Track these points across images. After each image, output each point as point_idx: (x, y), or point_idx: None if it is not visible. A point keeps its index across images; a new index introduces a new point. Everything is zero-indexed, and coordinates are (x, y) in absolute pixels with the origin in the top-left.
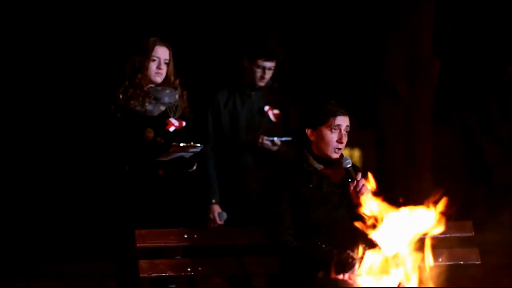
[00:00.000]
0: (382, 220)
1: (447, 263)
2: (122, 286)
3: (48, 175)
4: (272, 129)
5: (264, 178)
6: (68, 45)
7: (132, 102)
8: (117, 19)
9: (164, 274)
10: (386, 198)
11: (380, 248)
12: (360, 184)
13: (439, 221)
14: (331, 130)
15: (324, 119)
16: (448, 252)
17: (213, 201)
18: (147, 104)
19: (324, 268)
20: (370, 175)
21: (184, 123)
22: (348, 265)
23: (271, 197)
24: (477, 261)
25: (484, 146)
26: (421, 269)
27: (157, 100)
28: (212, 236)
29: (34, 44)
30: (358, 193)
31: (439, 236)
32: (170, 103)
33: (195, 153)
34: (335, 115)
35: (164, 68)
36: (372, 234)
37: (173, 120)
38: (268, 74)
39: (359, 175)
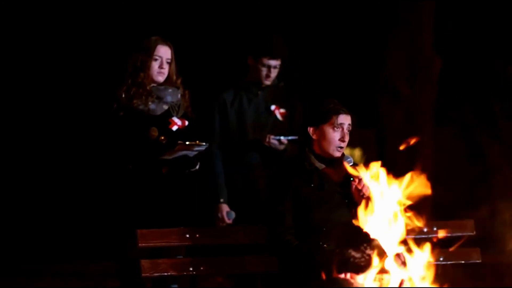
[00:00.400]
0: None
1: (449, 262)
2: (124, 285)
3: (50, 173)
4: (279, 128)
5: (268, 176)
6: (70, 43)
7: (135, 101)
8: (119, 17)
9: (166, 274)
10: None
11: (381, 247)
12: (362, 183)
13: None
14: (333, 128)
15: (327, 117)
16: (450, 252)
17: (221, 200)
18: (150, 103)
19: (325, 267)
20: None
21: (186, 122)
22: (349, 265)
23: (274, 197)
24: (478, 260)
25: (485, 146)
26: (422, 268)
27: (160, 99)
28: (214, 235)
29: (35, 42)
30: (360, 191)
31: (441, 235)
32: (173, 102)
33: (199, 152)
34: (337, 113)
35: (166, 68)
36: (372, 234)
37: (176, 119)
38: (274, 73)
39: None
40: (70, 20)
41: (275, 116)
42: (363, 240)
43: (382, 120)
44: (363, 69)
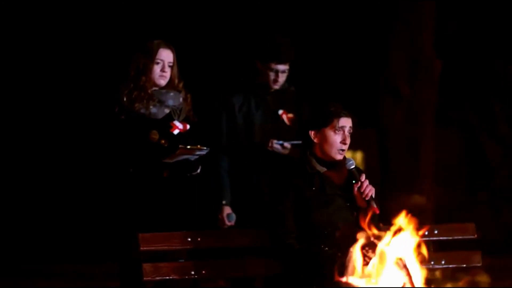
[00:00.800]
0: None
1: (450, 265)
2: (126, 286)
3: (52, 175)
4: (286, 132)
5: (269, 179)
6: (72, 46)
7: (136, 104)
8: (122, 20)
9: (167, 277)
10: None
11: (383, 250)
12: (364, 185)
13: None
14: (334, 132)
15: (328, 121)
16: (451, 255)
17: (224, 202)
18: (151, 107)
19: (327, 271)
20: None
21: (188, 126)
22: (352, 268)
23: (275, 199)
24: (479, 263)
25: (486, 147)
26: (424, 271)
27: (161, 103)
28: (215, 238)
29: (38, 45)
30: (361, 194)
31: (442, 238)
32: (174, 106)
33: (200, 156)
34: (338, 116)
35: (168, 71)
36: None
37: (177, 123)
38: (282, 77)
39: (363, 176)
40: (73, 23)
41: (283, 120)
42: (365, 244)
43: (383, 120)
44: (363, 69)
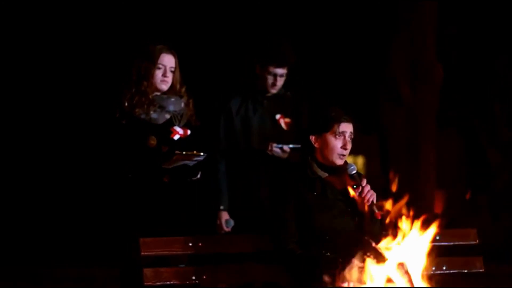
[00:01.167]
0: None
1: (451, 271)
2: None
3: (53, 180)
4: (283, 136)
5: (270, 184)
6: (74, 51)
7: (137, 110)
8: (124, 24)
9: (168, 283)
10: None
11: (385, 256)
12: (366, 190)
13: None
14: (335, 137)
15: (328, 126)
16: (452, 260)
17: (221, 207)
18: (152, 112)
19: (328, 276)
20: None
21: (189, 132)
22: (353, 273)
23: (276, 204)
24: (481, 269)
25: (487, 151)
26: (425, 277)
27: (162, 108)
28: (217, 243)
29: (40, 49)
30: (363, 199)
31: (443, 244)
32: (175, 111)
33: (199, 162)
34: (339, 121)
35: (169, 76)
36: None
37: (177, 129)
38: (280, 81)
39: (364, 181)
40: (75, 28)
41: (280, 124)
42: (367, 249)
43: (384, 125)
44: (365, 74)
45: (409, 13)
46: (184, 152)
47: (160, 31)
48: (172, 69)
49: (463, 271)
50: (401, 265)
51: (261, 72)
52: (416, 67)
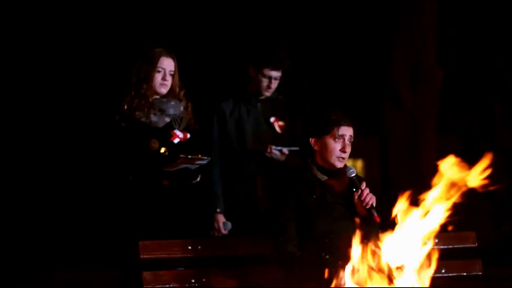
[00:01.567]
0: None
1: (450, 274)
2: None
3: (54, 183)
4: (278, 139)
5: (269, 187)
6: (74, 53)
7: (137, 113)
8: (123, 27)
9: (168, 286)
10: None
11: (384, 258)
12: (365, 193)
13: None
14: (334, 140)
15: (328, 129)
16: (451, 263)
17: (218, 210)
18: (152, 115)
19: (328, 278)
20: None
21: (188, 135)
22: (353, 275)
23: (276, 207)
24: (480, 272)
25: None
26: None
27: (162, 112)
28: (216, 246)
29: (41, 51)
30: (362, 202)
31: (442, 247)
32: (175, 114)
33: (201, 165)
34: (339, 125)
35: (169, 80)
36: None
37: (177, 132)
38: (274, 84)
39: (363, 184)
40: (76, 31)
41: (274, 128)
42: (366, 251)
43: (384, 128)
44: (365, 77)
45: (409, 14)
46: (189, 156)
47: (159, 33)
48: (172, 73)
49: (462, 274)
50: (399, 268)
51: (255, 75)
52: (416, 68)
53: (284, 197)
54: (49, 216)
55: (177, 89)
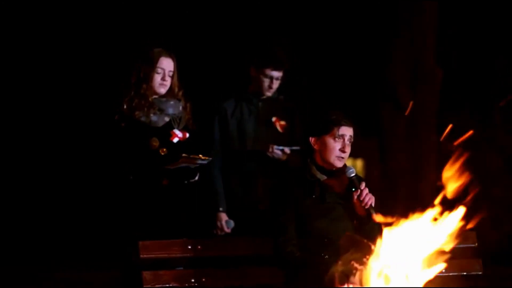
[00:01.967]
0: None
1: (450, 273)
2: None
3: (54, 183)
4: (279, 139)
5: (270, 187)
6: (74, 53)
7: (137, 112)
8: (123, 27)
9: (168, 285)
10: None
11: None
12: (364, 193)
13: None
14: (334, 139)
15: (328, 128)
16: (451, 263)
17: (220, 209)
18: (151, 114)
19: (327, 278)
20: None
21: (187, 135)
22: (351, 276)
23: (275, 207)
24: (480, 271)
25: (486, 155)
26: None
27: (162, 111)
28: (215, 246)
29: (41, 50)
30: (361, 202)
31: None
32: (174, 114)
33: (201, 165)
34: (339, 124)
35: (168, 80)
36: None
37: (177, 131)
38: (276, 84)
39: (363, 185)
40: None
41: (275, 128)
42: (366, 252)
43: (384, 128)
44: (365, 77)
45: (409, 14)
46: (191, 156)
47: (159, 34)
48: (171, 73)
49: (462, 273)
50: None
51: (256, 75)
52: (416, 68)
53: (284, 197)
54: (49, 216)
55: (176, 89)
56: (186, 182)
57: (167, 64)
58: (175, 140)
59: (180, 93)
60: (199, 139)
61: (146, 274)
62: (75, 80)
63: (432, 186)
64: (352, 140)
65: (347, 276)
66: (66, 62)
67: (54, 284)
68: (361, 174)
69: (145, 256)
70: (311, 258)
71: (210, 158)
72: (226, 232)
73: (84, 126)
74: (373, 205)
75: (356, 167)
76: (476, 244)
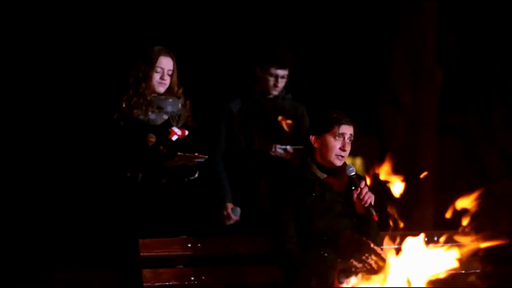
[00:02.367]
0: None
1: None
2: None
3: (54, 183)
4: (285, 138)
5: (270, 186)
6: (72, 52)
7: (135, 111)
8: (123, 26)
9: (167, 283)
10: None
11: (383, 256)
12: (364, 192)
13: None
14: (334, 138)
15: (328, 127)
16: None
17: (226, 201)
18: (150, 113)
19: (327, 276)
20: None
21: (187, 132)
22: (351, 274)
23: (276, 206)
24: (478, 269)
25: (486, 154)
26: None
27: (160, 109)
28: (215, 245)
29: (40, 49)
30: (361, 201)
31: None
32: (173, 112)
33: (199, 163)
34: (339, 123)
35: (167, 79)
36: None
37: (175, 129)
38: (281, 83)
39: (363, 183)
40: (74, 29)
41: (281, 127)
42: (365, 250)
43: (384, 128)
44: (365, 78)
45: (409, 14)
46: (187, 154)
47: (160, 33)
48: (170, 72)
49: (461, 271)
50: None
51: (262, 74)
52: (416, 68)
53: (284, 195)
54: (49, 216)
55: (176, 88)
56: (186, 179)
57: (166, 63)
58: (174, 138)
59: (180, 91)
60: (199, 136)
61: (146, 272)
62: (74, 79)
63: (430, 186)
64: (352, 138)
65: (346, 274)
66: (65, 61)
67: (54, 284)
68: (360, 173)
69: (145, 254)
70: (310, 256)
71: (207, 157)
72: (235, 220)
73: (83, 125)
74: (372, 203)
75: (355, 165)
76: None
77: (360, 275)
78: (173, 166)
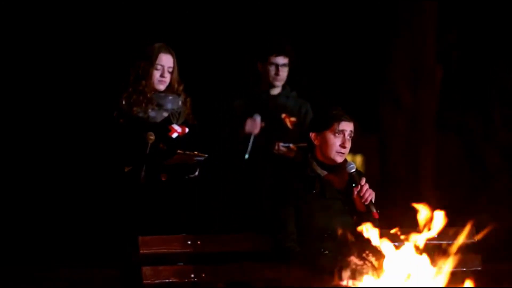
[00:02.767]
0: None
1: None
2: None
3: (54, 182)
4: (288, 136)
5: (270, 183)
6: (72, 50)
7: (135, 108)
8: (122, 24)
9: (167, 281)
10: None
11: (383, 254)
12: (364, 189)
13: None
14: (334, 135)
15: (328, 124)
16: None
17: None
18: (149, 110)
19: (327, 274)
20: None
21: (187, 130)
22: (351, 271)
23: (276, 203)
24: (479, 267)
25: (485, 154)
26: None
27: (160, 107)
28: (215, 242)
29: (39, 48)
30: (361, 198)
31: (441, 242)
32: (173, 109)
33: (198, 161)
34: (339, 120)
35: (167, 76)
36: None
37: (175, 127)
38: (282, 71)
39: (363, 180)
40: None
41: (285, 124)
42: (365, 247)
43: (385, 127)
44: (365, 76)
45: (409, 14)
46: (186, 152)
47: (160, 30)
48: (170, 69)
49: (462, 269)
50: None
51: (263, 67)
52: (416, 68)
53: (284, 192)
54: (49, 216)
55: (176, 85)
56: (186, 177)
57: (166, 61)
58: (174, 135)
59: (180, 88)
60: (200, 134)
61: (146, 270)
62: (74, 77)
63: (431, 184)
64: (352, 135)
65: (346, 271)
66: (65, 59)
67: (54, 284)
68: (361, 170)
69: (144, 251)
70: (310, 253)
71: (207, 155)
72: (260, 127)
73: (83, 123)
74: (373, 200)
75: (355, 162)
76: (476, 239)
77: (360, 272)
78: (173, 164)
